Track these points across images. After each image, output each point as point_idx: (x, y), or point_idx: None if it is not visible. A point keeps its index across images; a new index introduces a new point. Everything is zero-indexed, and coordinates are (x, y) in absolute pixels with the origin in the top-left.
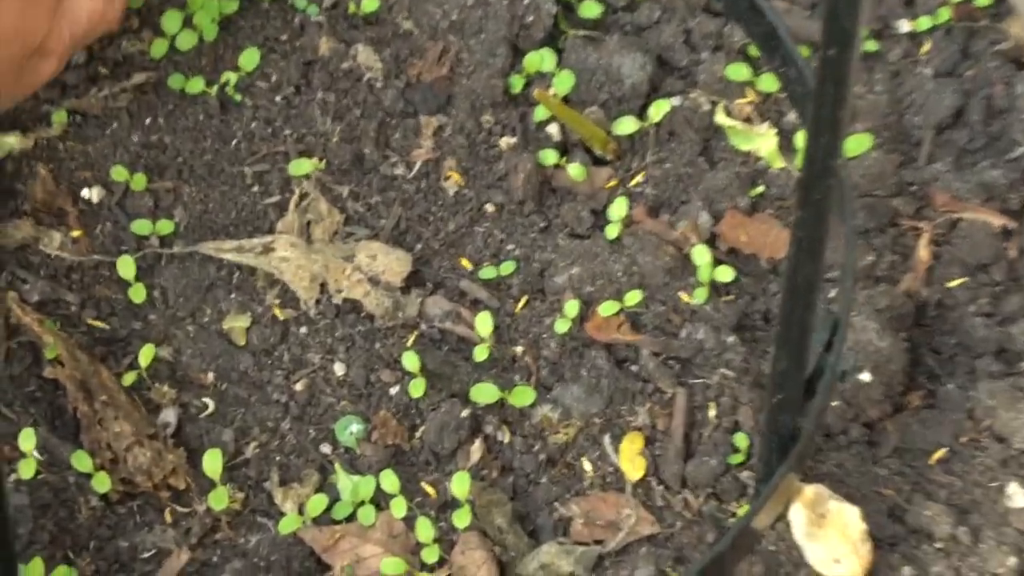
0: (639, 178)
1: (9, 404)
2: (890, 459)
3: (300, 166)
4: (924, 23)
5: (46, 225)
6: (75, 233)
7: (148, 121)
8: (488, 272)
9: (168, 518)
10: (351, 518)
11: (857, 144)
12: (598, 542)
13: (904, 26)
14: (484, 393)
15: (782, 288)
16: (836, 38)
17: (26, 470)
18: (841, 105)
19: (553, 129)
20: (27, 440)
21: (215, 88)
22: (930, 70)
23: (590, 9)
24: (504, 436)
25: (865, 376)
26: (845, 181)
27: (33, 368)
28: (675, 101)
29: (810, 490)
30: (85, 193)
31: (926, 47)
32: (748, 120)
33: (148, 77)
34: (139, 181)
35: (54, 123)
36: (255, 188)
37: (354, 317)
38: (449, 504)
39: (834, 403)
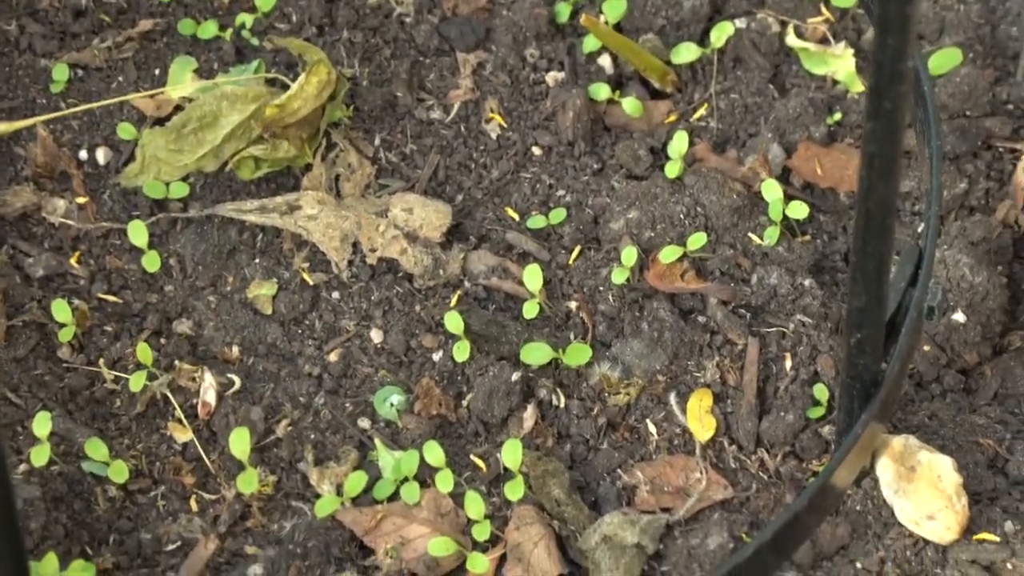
0: (702, 111)
1: (15, 389)
2: (989, 407)
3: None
4: None
5: (49, 191)
6: (80, 199)
7: (157, 72)
8: (537, 221)
9: (194, 506)
10: (394, 497)
11: (945, 60)
12: (665, 510)
13: None
14: (536, 354)
15: (855, 214)
16: None
17: (38, 458)
18: None
19: (605, 61)
20: (41, 425)
21: (229, 32)
22: None
23: None
24: (559, 400)
25: (959, 316)
26: (930, 98)
27: (40, 348)
28: (740, 23)
29: (898, 442)
30: (88, 155)
31: None
32: (823, 41)
33: (156, 23)
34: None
35: (54, 79)
36: None
37: (391, 278)
38: (501, 477)
39: (925, 348)
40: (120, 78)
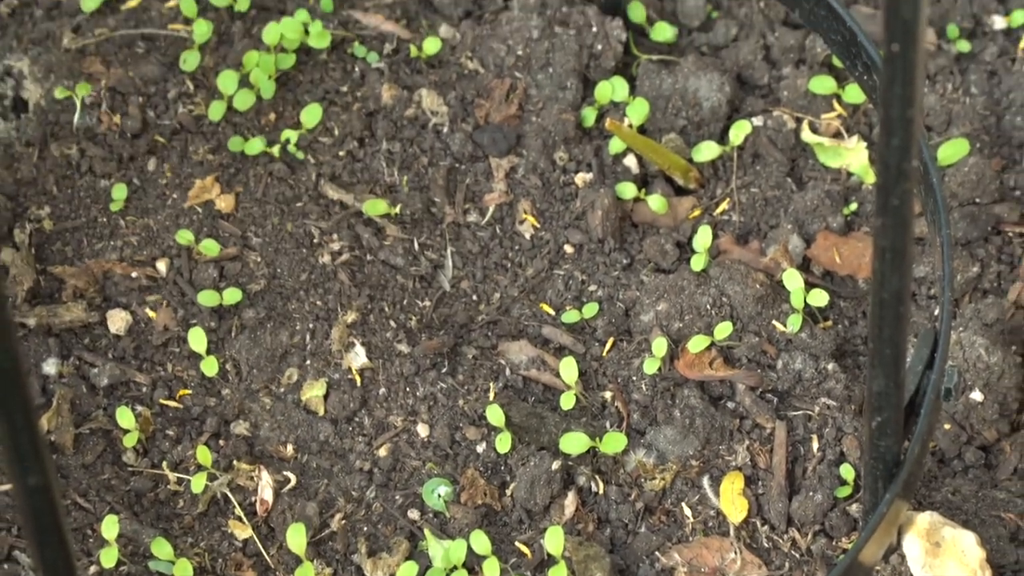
0: (724, 205)
1: (84, 494)
2: (1009, 481)
3: (375, 206)
4: (1020, 18)
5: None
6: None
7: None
8: (571, 316)
9: None
10: None
11: (953, 150)
12: None
13: (999, 22)
14: (574, 443)
15: (870, 303)
16: (898, 32)
17: (108, 559)
18: (911, 103)
19: (630, 161)
20: (110, 528)
21: (276, 148)
22: None
23: (662, 32)
24: (598, 486)
25: (976, 395)
26: (938, 189)
27: (106, 454)
28: (757, 121)
29: (923, 519)
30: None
31: None
32: (836, 135)
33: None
34: (210, 247)
35: (113, 198)
36: (324, 248)
37: (434, 374)
38: (545, 562)
39: (946, 426)
40: (175, 195)
